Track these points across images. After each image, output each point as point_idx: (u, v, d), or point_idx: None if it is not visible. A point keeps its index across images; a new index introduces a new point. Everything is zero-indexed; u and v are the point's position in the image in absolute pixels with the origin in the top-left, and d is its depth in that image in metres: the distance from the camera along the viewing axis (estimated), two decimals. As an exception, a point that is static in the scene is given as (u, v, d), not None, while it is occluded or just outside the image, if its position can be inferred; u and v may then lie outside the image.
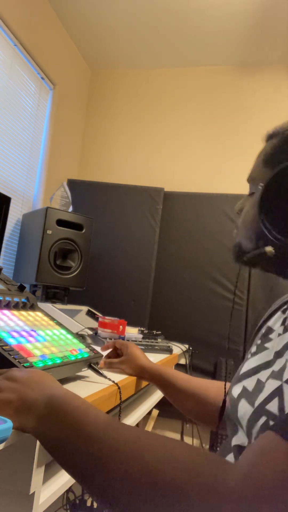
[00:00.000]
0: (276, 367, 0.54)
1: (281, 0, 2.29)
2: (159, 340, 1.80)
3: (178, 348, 1.85)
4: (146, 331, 2.00)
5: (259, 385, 0.55)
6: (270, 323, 0.67)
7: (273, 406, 0.48)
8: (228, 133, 2.89)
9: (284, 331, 0.60)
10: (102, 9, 2.53)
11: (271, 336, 0.64)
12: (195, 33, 2.65)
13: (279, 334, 0.61)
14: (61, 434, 0.47)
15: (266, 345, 0.62)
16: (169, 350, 1.60)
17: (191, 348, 2.18)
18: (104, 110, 3.16)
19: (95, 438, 0.45)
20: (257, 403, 0.52)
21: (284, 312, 0.65)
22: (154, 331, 2.02)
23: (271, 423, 0.47)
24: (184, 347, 2.06)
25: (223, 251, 2.49)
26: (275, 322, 0.65)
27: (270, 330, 0.65)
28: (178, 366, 2.05)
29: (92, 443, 0.45)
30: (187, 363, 2.09)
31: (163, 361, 1.40)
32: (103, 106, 3.17)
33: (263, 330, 0.68)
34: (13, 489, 0.52)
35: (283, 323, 0.62)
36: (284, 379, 0.49)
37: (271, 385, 0.51)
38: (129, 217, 2.63)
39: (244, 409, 0.55)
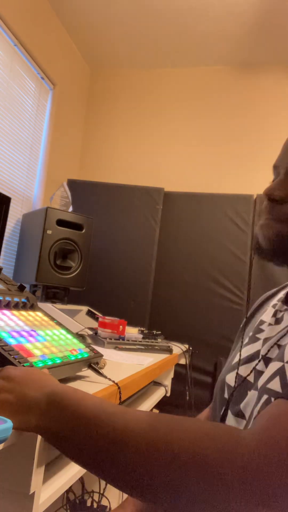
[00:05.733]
0: (273, 353, 0.58)
1: (280, 1, 2.29)
2: (159, 340, 1.80)
3: (178, 348, 1.85)
4: (146, 331, 2.00)
5: (258, 374, 0.59)
6: (262, 316, 0.71)
7: (274, 385, 0.50)
8: (228, 133, 2.89)
9: (276, 322, 0.65)
10: (102, 9, 2.53)
11: (262, 327, 0.68)
12: (195, 33, 2.65)
13: (270, 324, 0.66)
14: (68, 425, 0.46)
15: (258, 335, 0.67)
16: (169, 350, 1.60)
17: (191, 348, 2.18)
18: (104, 110, 3.16)
19: (105, 421, 0.45)
20: (259, 384, 0.55)
21: (274, 306, 0.69)
22: (154, 331, 2.02)
23: (273, 399, 0.48)
24: (184, 347, 2.06)
25: (223, 251, 2.49)
26: (267, 316, 0.70)
27: (262, 322, 0.70)
28: (178, 366, 2.05)
29: (102, 427, 0.45)
30: (187, 363, 2.09)
31: (163, 361, 1.40)
32: (103, 106, 3.17)
33: (255, 323, 0.72)
34: (13, 489, 0.52)
35: (274, 315, 0.67)
36: (286, 360, 0.52)
37: (272, 368, 0.54)
38: (129, 217, 2.63)
39: (248, 397, 0.58)
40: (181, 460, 0.40)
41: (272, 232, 0.60)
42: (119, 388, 0.81)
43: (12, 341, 0.65)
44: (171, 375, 1.85)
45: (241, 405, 0.58)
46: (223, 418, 0.63)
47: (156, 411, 2.01)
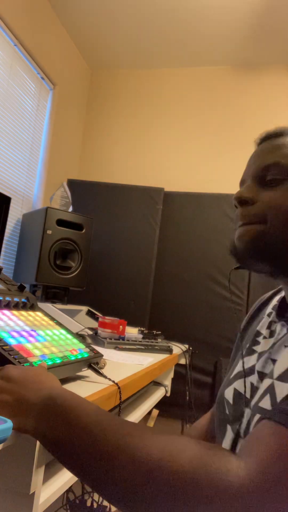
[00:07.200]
0: (268, 368, 0.57)
1: (280, 1, 2.29)
2: (159, 340, 1.80)
3: (178, 348, 1.85)
4: (146, 331, 2.00)
5: (255, 390, 0.58)
6: (258, 327, 0.70)
7: (265, 403, 0.50)
8: (228, 133, 2.89)
9: (270, 334, 0.64)
10: (102, 9, 2.53)
11: (258, 339, 0.67)
12: (195, 33, 2.65)
13: (265, 337, 0.65)
14: (62, 432, 0.46)
15: (254, 348, 0.66)
16: (169, 350, 1.60)
17: (191, 348, 2.18)
18: (104, 110, 3.16)
19: (99, 434, 0.45)
20: (253, 402, 0.54)
21: (269, 316, 0.68)
22: (154, 331, 2.02)
23: (262, 418, 0.48)
24: (184, 347, 2.06)
25: (223, 251, 2.49)
26: (262, 326, 0.68)
27: (258, 333, 0.68)
28: (178, 366, 2.05)
29: (95, 439, 0.45)
30: (187, 363, 2.09)
31: (163, 361, 1.40)
32: (103, 106, 3.17)
33: (252, 332, 0.70)
34: (13, 489, 0.52)
35: (269, 326, 0.66)
36: (275, 377, 0.51)
37: (265, 385, 0.53)
38: (129, 217, 2.63)
39: (244, 416, 0.57)
40: (170, 483, 0.41)
41: (249, 234, 0.59)
42: (119, 388, 0.81)
43: (12, 341, 0.65)
44: (171, 375, 1.85)
45: (238, 424, 0.58)
46: (223, 435, 0.62)
47: (156, 411, 2.01)
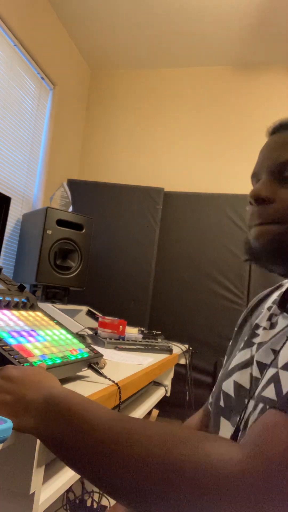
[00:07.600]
0: (268, 359, 0.57)
1: (280, 0, 2.29)
2: (159, 340, 1.80)
3: (178, 348, 1.85)
4: (146, 331, 2.00)
5: (255, 380, 0.58)
6: (257, 320, 0.70)
7: (269, 392, 0.49)
8: (227, 133, 2.89)
9: (271, 326, 0.64)
10: (102, 9, 2.53)
11: (257, 331, 0.67)
12: (194, 33, 2.65)
13: (264, 328, 0.65)
14: (63, 430, 0.46)
15: (254, 340, 0.66)
16: (169, 350, 1.60)
17: (191, 348, 2.18)
18: (104, 110, 3.16)
19: (100, 430, 0.45)
20: (256, 393, 0.54)
21: (269, 309, 0.68)
22: (154, 331, 2.02)
23: (268, 407, 0.48)
24: (184, 347, 2.06)
25: (223, 251, 2.49)
26: (262, 319, 0.68)
27: (257, 326, 0.68)
28: (178, 366, 2.05)
29: (97, 435, 0.45)
30: (187, 363, 2.09)
31: (163, 361, 1.40)
32: (103, 106, 3.17)
33: (251, 326, 0.71)
34: (13, 489, 0.52)
35: (269, 319, 0.66)
36: (280, 366, 0.50)
37: (268, 374, 0.53)
38: (129, 217, 2.63)
39: (247, 407, 0.57)
40: (172, 474, 0.41)
41: (267, 235, 0.58)
42: (119, 388, 0.81)
43: (12, 341, 0.65)
44: (171, 375, 1.85)
45: (239, 416, 0.57)
46: (217, 428, 0.62)
47: (156, 411, 2.01)
